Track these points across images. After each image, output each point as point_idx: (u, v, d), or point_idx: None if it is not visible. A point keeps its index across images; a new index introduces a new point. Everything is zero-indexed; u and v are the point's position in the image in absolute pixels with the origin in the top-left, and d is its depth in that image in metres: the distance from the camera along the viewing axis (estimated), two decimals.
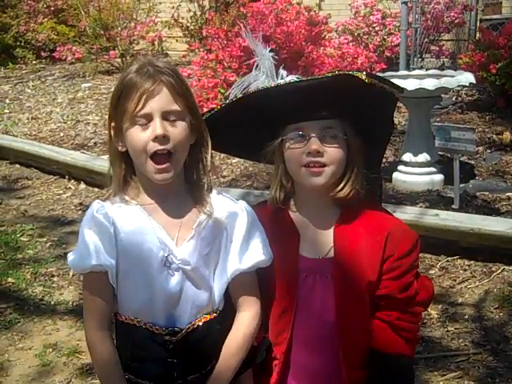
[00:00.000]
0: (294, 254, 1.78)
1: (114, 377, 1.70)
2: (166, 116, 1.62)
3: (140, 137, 1.63)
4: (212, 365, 1.74)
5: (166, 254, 1.68)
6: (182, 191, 1.74)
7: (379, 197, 1.94)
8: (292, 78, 1.82)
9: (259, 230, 1.75)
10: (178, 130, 1.64)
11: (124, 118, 1.64)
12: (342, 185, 1.75)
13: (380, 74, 5.86)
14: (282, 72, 1.84)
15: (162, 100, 1.62)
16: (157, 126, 1.61)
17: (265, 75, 1.83)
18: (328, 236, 1.79)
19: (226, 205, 1.75)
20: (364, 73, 1.66)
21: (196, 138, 1.71)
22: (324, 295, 1.76)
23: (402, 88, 1.77)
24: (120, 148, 1.70)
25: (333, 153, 1.71)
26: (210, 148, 1.75)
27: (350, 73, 1.67)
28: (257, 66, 1.87)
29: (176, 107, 1.63)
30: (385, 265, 1.75)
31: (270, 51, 1.86)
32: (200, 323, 1.71)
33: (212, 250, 1.72)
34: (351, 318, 1.75)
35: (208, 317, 1.73)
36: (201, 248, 1.70)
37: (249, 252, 1.73)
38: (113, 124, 1.70)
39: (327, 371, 1.79)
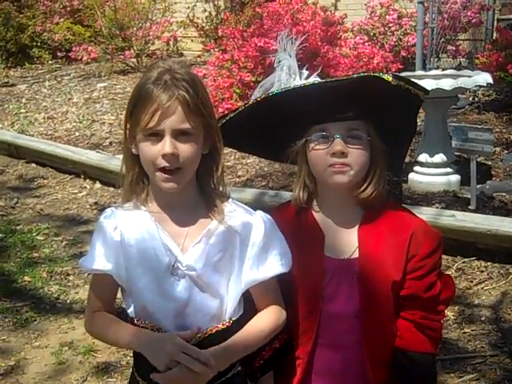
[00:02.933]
0: (320, 254, 1.78)
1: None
2: (176, 134, 1.62)
3: (150, 150, 1.63)
4: (233, 371, 1.72)
5: (172, 261, 1.68)
6: (193, 199, 1.73)
7: (399, 198, 1.93)
8: (315, 78, 1.82)
9: (278, 240, 1.74)
10: (188, 147, 1.63)
11: (138, 128, 1.64)
12: (364, 185, 1.75)
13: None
14: (305, 72, 1.84)
15: (174, 118, 1.60)
16: (166, 145, 1.60)
17: (288, 75, 1.83)
18: (352, 236, 1.79)
19: (241, 214, 1.73)
20: (390, 74, 1.67)
21: (210, 147, 1.70)
22: (349, 296, 1.76)
23: (428, 90, 1.77)
24: (134, 151, 1.70)
25: (356, 154, 1.71)
26: (223, 157, 1.74)
27: (376, 74, 1.68)
28: (279, 64, 1.86)
29: (188, 126, 1.62)
30: (409, 265, 1.75)
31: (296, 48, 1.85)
32: (211, 332, 1.69)
33: (224, 258, 1.71)
34: (376, 318, 1.75)
35: (221, 326, 1.71)
36: (209, 254, 1.69)
37: (267, 263, 1.71)
38: (128, 126, 1.71)
39: (352, 371, 1.78)
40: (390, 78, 1.65)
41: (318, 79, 1.79)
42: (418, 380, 1.80)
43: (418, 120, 5.76)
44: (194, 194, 1.73)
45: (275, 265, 1.71)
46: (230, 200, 1.76)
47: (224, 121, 1.81)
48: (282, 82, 1.82)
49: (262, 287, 1.73)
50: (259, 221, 1.73)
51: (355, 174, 1.72)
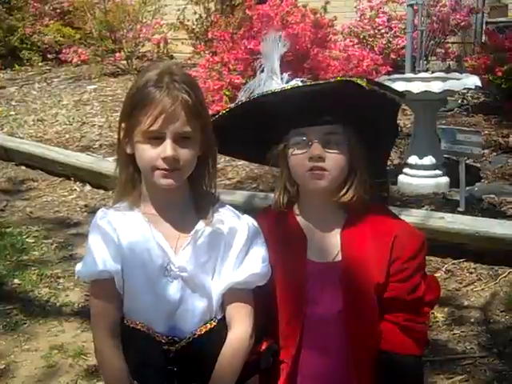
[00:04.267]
0: (302, 257, 1.78)
1: None
2: (177, 137, 1.62)
3: (150, 153, 1.63)
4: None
5: (165, 263, 1.69)
6: (185, 201, 1.74)
7: (385, 201, 1.94)
8: (296, 81, 1.82)
9: (260, 245, 1.75)
10: (188, 150, 1.64)
11: (136, 130, 1.64)
12: (344, 190, 1.76)
13: (386, 77, 5.87)
14: (285, 75, 1.84)
15: (177, 122, 1.61)
16: (167, 148, 1.61)
17: (268, 77, 1.84)
18: (334, 240, 1.79)
19: (229, 218, 1.75)
20: (365, 79, 1.67)
21: (204, 150, 1.71)
22: (332, 299, 1.76)
23: (404, 94, 1.80)
24: (129, 151, 1.70)
25: (335, 158, 1.72)
26: (216, 160, 1.76)
27: (351, 79, 1.67)
28: (262, 69, 1.87)
29: (188, 129, 1.63)
30: (392, 267, 1.75)
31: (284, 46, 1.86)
32: (201, 333, 1.71)
33: (210, 259, 1.72)
34: (360, 322, 1.75)
35: (208, 325, 1.73)
36: (197, 255, 1.70)
37: (243, 265, 1.72)
38: (123, 125, 1.70)
39: (337, 375, 1.78)
40: (365, 83, 1.64)
41: (299, 83, 1.79)
42: (405, 382, 1.80)
43: (407, 122, 5.77)
44: (187, 196, 1.74)
45: (254, 266, 1.72)
46: (219, 203, 1.78)
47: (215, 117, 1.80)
48: (263, 85, 1.82)
49: (237, 292, 1.73)
50: (244, 225, 1.74)
51: (333, 178, 1.73)
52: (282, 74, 1.85)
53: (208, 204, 1.74)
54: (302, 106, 1.69)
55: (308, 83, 1.73)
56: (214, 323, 1.74)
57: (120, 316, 1.74)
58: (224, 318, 1.76)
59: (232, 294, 1.73)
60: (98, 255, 1.69)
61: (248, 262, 1.73)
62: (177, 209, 1.73)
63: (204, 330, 1.72)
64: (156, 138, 1.62)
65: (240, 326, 1.74)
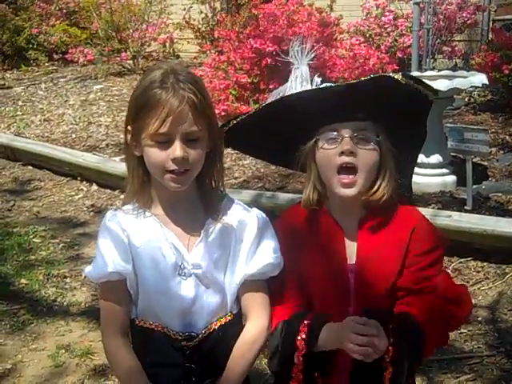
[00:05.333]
0: (344, 258, 1.78)
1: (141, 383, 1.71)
2: (186, 137, 1.62)
3: (159, 155, 1.63)
4: None
5: (178, 261, 1.70)
6: (193, 198, 1.75)
7: (409, 201, 1.93)
8: (326, 85, 1.83)
9: (270, 236, 1.76)
10: (197, 150, 1.65)
11: (144, 133, 1.63)
12: (374, 188, 1.75)
13: None
14: (317, 79, 1.85)
15: (185, 122, 1.61)
16: (177, 149, 1.61)
17: (300, 84, 1.84)
18: (354, 239, 1.80)
19: (238, 211, 1.76)
20: (400, 74, 1.69)
21: (211, 147, 1.72)
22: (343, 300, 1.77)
23: (437, 90, 1.78)
24: (137, 153, 1.69)
25: (365, 155, 1.72)
26: (222, 157, 1.77)
27: (386, 74, 1.69)
28: (293, 75, 1.87)
29: (196, 128, 1.63)
30: (407, 260, 1.76)
31: (310, 59, 1.87)
32: (216, 327, 1.72)
33: (222, 254, 1.74)
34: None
35: (223, 320, 1.74)
36: (210, 252, 1.72)
37: (256, 256, 1.73)
38: (129, 128, 1.70)
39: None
40: (400, 77, 1.66)
41: (332, 85, 1.81)
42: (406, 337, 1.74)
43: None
44: (195, 194, 1.75)
45: (266, 257, 1.73)
46: (227, 198, 1.79)
47: (235, 122, 1.81)
48: (294, 89, 1.83)
49: (252, 285, 1.74)
50: (253, 217, 1.75)
51: (363, 181, 1.72)
52: (311, 78, 1.85)
53: (216, 200, 1.75)
54: (335, 103, 1.70)
55: (341, 83, 1.75)
56: (229, 317, 1.75)
57: (129, 317, 1.74)
58: (239, 312, 1.77)
59: (247, 286, 1.74)
60: (108, 257, 1.69)
61: (261, 253, 1.74)
62: (185, 207, 1.74)
63: (219, 324, 1.73)
64: (165, 140, 1.62)
65: (257, 317, 1.75)
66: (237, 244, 1.74)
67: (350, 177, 1.71)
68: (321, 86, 1.82)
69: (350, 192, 1.73)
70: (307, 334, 1.70)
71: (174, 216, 1.73)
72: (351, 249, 1.79)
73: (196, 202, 1.75)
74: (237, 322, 1.76)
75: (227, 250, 1.74)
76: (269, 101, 1.84)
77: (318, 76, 1.85)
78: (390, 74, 1.68)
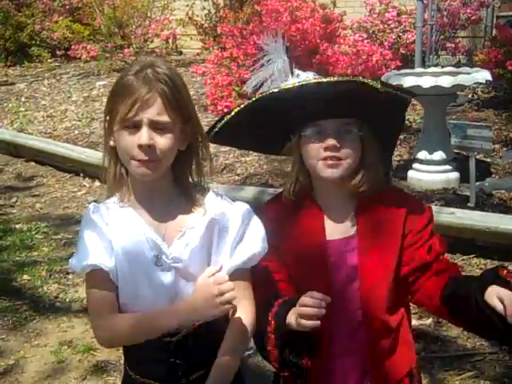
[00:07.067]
0: (323, 238, 1.84)
1: (153, 315, 1.71)
2: (154, 125, 1.63)
3: (127, 140, 1.65)
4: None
5: (155, 254, 1.70)
6: (170, 192, 1.75)
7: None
8: (308, 75, 1.86)
9: (256, 225, 1.77)
10: (165, 140, 1.65)
11: (116, 119, 1.65)
12: (358, 178, 1.82)
13: (395, 72, 5.83)
14: (298, 71, 1.88)
15: (152, 110, 1.62)
16: (143, 136, 1.62)
17: (280, 74, 1.87)
18: (350, 219, 1.85)
19: (221, 206, 1.77)
20: (378, 81, 1.76)
21: (188, 143, 1.73)
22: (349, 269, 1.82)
23: (414, 93, 1.93)
24: (112, 143, 1.71)
25: (349, 147, 1.79)
26: (207, 151, 1.77)
27: (367, 81, 1.74)
28: (269, 61, 1.90)
29: (166, 118, 1.64)
30: (405, 241, 1.82)
31: (286, 50, 1.89)
32: (198, 322, 1.71)
33: (205, 248, 1.73)
34: (375, 292, 1.80)
35: None
36: (193, 246, 1.71)
37: (242, 247, 1.74)
38: (107, 118, 1.72)
39: (363, 349, 1.83)
40: (379, 86, 1.73)
41: (310, 76, 1.84)
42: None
43: (417, 117, 5.75)
44: (171, 187, 1.76)
45: (254, 246, 1.74)
46: (210, 191, 1.79)
47: (224, 121, 1.83)
48: (274, 80, 1.86)
49: (237, 275, 1.74)
50: (237, 210, 1.77)
51: (347, 166, 1.79)
52: (292, 70, 1.88)
53: (198, 194, 1.76)
54: (319, 101, 1.74)
55: (324, 80, 1.75)
56: None
57: (117, 304, 1.73)
58: None
59: (232, 277, 1.73)
60: (92, 249, 1.69)
61: (247, 242, 1.75)
62: (163, 200, 1.74)
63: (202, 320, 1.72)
64: (133, 127, 1.63)
65: (243, 306, 1.75)
66: (221, 237, 1.74)
67: (335, 162, 1.78)
68: (305, 77, 1.84)
69: (335, 173, 1.79)
70: (274, 326, 1.73)
71: (151, 209, 1.73)
72: (349, 227, 1.84)
73: (175, 195, 1.76)
74: (220, 316, 1.74)
75: (210, 243, 1.74)
76: (249, 84, 1.92)
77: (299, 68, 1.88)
78: (368, 82, 1.73)
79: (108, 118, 1.71)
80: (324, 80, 1.74)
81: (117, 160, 1.73)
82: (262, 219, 1.80)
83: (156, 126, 1.64)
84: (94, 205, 1.76)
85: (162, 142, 1.64)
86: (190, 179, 1.78)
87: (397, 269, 1.81)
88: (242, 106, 1.82)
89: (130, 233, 1.70)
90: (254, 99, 1.81)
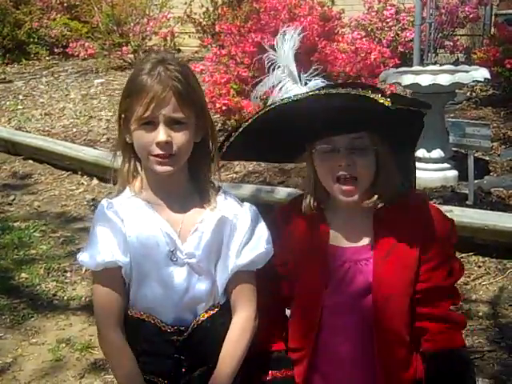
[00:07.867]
0: (326, 244, 1.80)
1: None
2: (170, 122, 1.68)
3: (145, 138, 1.69)
4: (217, 358, 1.77)
5: (171, 249, 1.72)
6: (186, 188, 1.79)
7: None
8: (316, 82, 1.83)
9: (262, 227, 1.80)
10: (182, 135, 1.69)
11: (132, 119, 1.69)
12: (375, 198, 1.77)
13: (394, 70, 5.83)
14: (305, 79, 1.86)
15: (168, 107, 1.67)
16: (160, 133, 1.67)
17: (288, 81, 1.86)
18: (367, 227, 1.80)
19: (231, 205, 1.80)
20: (389, 97, 1.57)
21: (202, 136, 1.77)
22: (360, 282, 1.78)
23: (430, 104, 1.76)
24: (128, 140, 1.75)
25: (363, 163, 1.73)
26: (215, 144, 1.80)
27: (376, 98, 1.58)
28: (277, 65, 1.89)
29: (181, 114, 1.68)
30: (424, 254, 1.76)
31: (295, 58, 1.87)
32: (204, 318, 1.75)
33: (216, 245, 1.76)
34: (388, 304, 1.75)
35: (211, 312, 1.77)
36: (205, 242, 1.75)
37: (248, 248, 1.77)
38: (123, 116, 1.75)
39: (358, 362, 1.79)
40: (389, 103, 1.56)
41: (320, 83, 1.81)
42: (463, 376, 1.76)
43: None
44: (187, 183, 1.79)
45: (259, 247, 1.78)
46: (222, 191, 1.83)
47: (232, 139, 1.81)
48: (284, 86, 1.85)
49: (241, 277, 1.77)
50: (246, 211, 1.80)
51: (363, 187, 1.75)
52: (299, 74, 1.86)
53: (212, 191, 1.79)
54: (328, 117, 1.69)
55: (333, 91, 1.66)
56: (217, 308, 1.78)
57: (125, 306, 1.75)
58: (226, 302, 1.80)
59: (237, 277, 1.78)
60: (107, 246, 1.70)
61: (252, 244, 1.77)
62: (179, 196, 1.77)
63: (206, 316, 1.76)
64: (149, 124, 1.68)
65: (245, 308, 1.79)
66: (231, 235, 1.77)
67: (350, 187, 1.73)
68: (309, 86, 1.82)
69: (352, 199, 1.76)
70: None
71: (167, 204, 1.76)
72: (365, 234, 1.80)
73: (190, 191, 1.79)
74: (224, 313, 1.79)
75: (220, 240, 1.77)
76: (256, 92, 1.91)
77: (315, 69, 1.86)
78: (379, 99, 1.57)
79: (123, 116, 1.75)
80: (333, 91, 1.66)
81: (131, 156, 1.77)
82: (272, 220, 1.82)
83: (172, 123, 1.68)
84: (107, 201, 1.77)
85: (179, 137, 1.69)
86: (204, 174, 1.80)
87: (413, 282, 1.76)
88: (250, 120, 1.78)
89: (147, 228, 1.72)
90: (262, 111, 1.76)
